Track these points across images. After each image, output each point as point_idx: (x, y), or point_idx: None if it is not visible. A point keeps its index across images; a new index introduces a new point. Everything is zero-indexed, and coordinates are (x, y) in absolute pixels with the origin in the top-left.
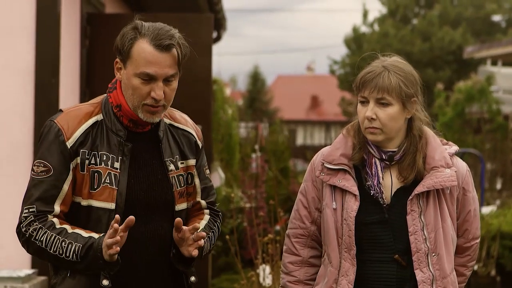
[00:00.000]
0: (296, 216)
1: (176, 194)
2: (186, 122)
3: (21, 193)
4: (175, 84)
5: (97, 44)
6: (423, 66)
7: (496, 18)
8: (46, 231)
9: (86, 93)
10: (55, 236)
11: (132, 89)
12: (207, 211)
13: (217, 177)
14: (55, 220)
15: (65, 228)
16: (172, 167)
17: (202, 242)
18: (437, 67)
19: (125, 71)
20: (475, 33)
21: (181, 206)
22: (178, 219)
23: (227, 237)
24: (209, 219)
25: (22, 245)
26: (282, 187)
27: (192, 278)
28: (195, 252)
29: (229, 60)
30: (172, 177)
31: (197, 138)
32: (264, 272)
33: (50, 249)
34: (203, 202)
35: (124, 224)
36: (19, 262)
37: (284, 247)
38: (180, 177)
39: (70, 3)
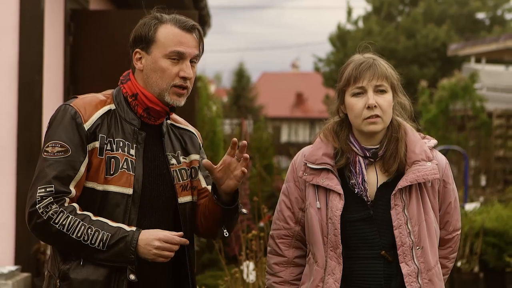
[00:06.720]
0: (279, 217)
1: (178, 187)
2: (187, 124)
3: (4, 191)
4: (196, 68)
5: (81, 40)
6: (408, 63)
7: (480, 15)
8: (68, 215)
9: (70, 90)
10: (79, 222)
11: (160, 71)
12: None
13: None
14: (75, 205)
15: (88, 215)
16: (173, 161)
17: (248, 161)
18: (421, 64)
19: (149, 57)
20: (459, 31)
21: (184, 199)
22: (205, 161)
23: None
24: None
25: (32, 228)
26: (266, 184)
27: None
28: (242, 172)
29: (214, 57)
30: (173, 170)
31: (199, 139)
32: (248, 269)
33: (73, 234)
34: (210, 187)
35: (181, 241)
36: (2, 259)
37: (268, 248)
38: (183, 170)
39: None
